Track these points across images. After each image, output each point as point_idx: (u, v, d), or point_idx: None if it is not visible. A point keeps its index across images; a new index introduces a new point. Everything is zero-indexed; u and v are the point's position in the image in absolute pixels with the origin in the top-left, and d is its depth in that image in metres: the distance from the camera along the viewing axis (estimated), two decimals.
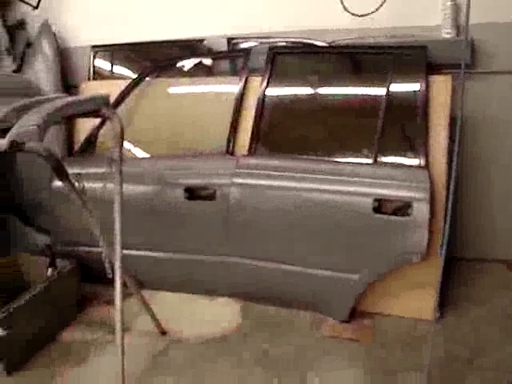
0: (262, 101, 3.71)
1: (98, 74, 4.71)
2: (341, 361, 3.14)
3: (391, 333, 3.34)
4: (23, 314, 3.16)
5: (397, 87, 3.52)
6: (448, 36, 3.73)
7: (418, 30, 3.76)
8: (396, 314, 3.46)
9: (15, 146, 2.31)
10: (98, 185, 3.03)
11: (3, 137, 2.34)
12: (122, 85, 4.12)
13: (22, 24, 4.79)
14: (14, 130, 2.31)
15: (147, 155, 3.96)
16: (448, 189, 2.81)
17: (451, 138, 3.21)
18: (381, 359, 3.11)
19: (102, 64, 4.73)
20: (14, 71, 4.53)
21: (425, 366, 2.61)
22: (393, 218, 3.10)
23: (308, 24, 4.00)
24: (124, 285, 2.92)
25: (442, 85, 3.41)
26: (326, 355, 3.19)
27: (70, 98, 2.85)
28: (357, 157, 3.43)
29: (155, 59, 4.36)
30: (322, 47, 3.93)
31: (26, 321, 3.18)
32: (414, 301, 3.39)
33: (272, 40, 4.08)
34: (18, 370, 3.16)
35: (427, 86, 3.40)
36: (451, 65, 3.47)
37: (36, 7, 4.70)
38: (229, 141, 3.69)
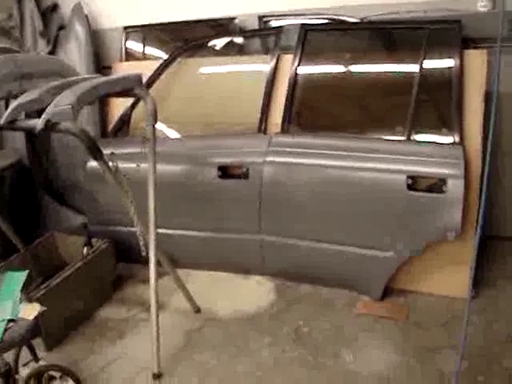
0: (294, 79, 3.68)
1: (130, 55, 4.75)
2: (375, 339, 3.13)
3: (425, 310, 3.32)
4: (61, 292, 3.23)
5: (431, 63, 3.45)
6: (484, 9, 3.63)
7: (452, 3, 3.66)
8: (430, 292, 3.44)
9: (50, 126, 2.35)
10: (131, 165, 3.05)
11: (38, 117, 2.38)
12: (154, 65, 4.13)
13: (55, 7, 4.84)
14: (48, 110, 2.35)
15: (180, 135, 3.98)
16: (483, 165, 2.76)
17: (487, 114, 3.14)
18: (415, 337, 3.10)
19: (134, 45, 4.77)
20: (48, 53, 4.58)
21: (460, 344, 2.59)
22: (427, 194, 3.07)
23: (339, 0, 3.94)
24: (158, 264, 2.96)
25: (477, 60, 3.34)
26: (360, 333, 3.19)
27: (103, 78, 2.88)
28: (390, 134, 3.40)
29: (187, 39, 4.35)
30: (354, 23, 3.88)
31: (64, 298, 3.25)
32: (448, 279, 3.36)
33: (303, 17, 4.03)
34: (57, 345, 3.26)
35: (462, 62, 3.33)
36: (487, 38, 3.39)
37: None
38: (261, 119, 3.67)
